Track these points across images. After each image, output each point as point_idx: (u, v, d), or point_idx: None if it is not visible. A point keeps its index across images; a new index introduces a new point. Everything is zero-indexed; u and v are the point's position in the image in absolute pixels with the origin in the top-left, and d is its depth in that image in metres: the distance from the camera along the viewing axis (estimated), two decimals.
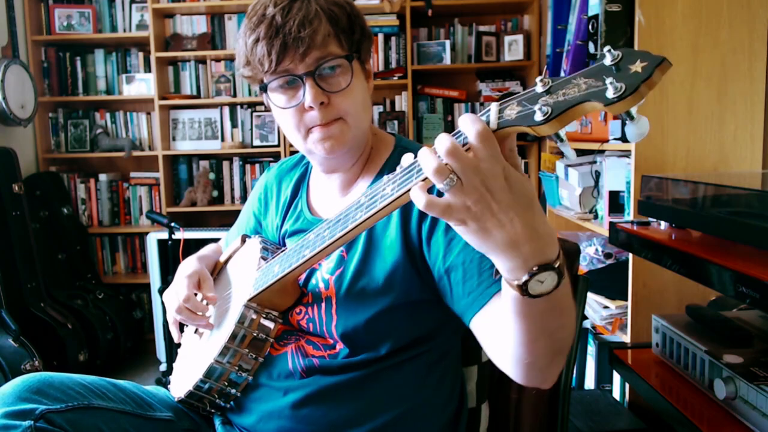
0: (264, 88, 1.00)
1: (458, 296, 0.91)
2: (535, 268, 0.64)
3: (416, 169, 0.73)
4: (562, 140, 0.64)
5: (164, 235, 2.98)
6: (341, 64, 0.98)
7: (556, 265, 0.65)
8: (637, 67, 0.58)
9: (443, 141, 0.62)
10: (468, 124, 0.63)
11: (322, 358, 0.99)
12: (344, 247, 1.01)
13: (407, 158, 0.74)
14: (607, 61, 0.60)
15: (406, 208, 0.97)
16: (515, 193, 0.62)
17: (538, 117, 0.61)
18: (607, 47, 0.61)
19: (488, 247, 0.64)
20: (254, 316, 0.99)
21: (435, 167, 0.62)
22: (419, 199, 0.63)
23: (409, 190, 0.71)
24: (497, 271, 0.69)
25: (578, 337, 1.09)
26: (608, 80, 0.58)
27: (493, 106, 0.67)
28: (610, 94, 0.58)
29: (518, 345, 0.76)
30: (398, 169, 0.75)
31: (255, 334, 0.99)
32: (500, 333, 0.80)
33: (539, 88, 0.63)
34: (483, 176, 0.61)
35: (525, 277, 0.65)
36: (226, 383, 1.02)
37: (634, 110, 0.59)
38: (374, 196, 0.78)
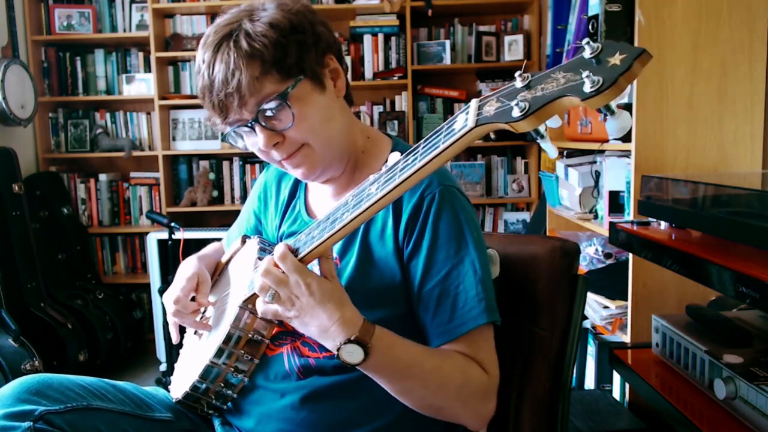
0: (224, 138, 1.01)
1: (424, 324, 0.96)
2: (339, 344, 0.84)
3: (399, 168, 0.73)
4: (542, 137, 0.63)
5: (164, 235, 2.98)
6: (278, 103, 0.93)
7: (353, 338, 0.84)
8: (616, 59, 0.56)
9: (263, 263, 0.87)
10: (275, 249, 0.86)
11: (317, 359, 0.99)
12: (338, 254, 1.01)
13: (393, 157, 0.75)
14: (587, 53, 0.58)
15: (398, 220, 0.97)
16: (316, 296, 0.84)
17: (516, 113, 0.60)
18: (586, 39, 0.59)
19: (309, 332, 0.87)
20: (249, 318, 0.98)
21: (259, 286, 0.86)
22: (259, 307, 0.88)
23: (394, 188, 0.73)
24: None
25: (578, 337, 1.08)
26: (585, 74, 0.56)
27: (473, 103, 0.67)
28: (587, 88, 0.56)
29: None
30: (383, 168, 0.75)
31: (250, 336, 0.99)
32: None
33: (518, 83, 0.62)
34: (290, 288, 0.84)
35: (336, 352, 0.85)
36: (223, 384, 1.01)
37: (614, 105, 0.58)
38: (360, 196, 0.78)
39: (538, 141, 0.64)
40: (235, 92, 0.91)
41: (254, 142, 0.97)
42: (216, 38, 0.93)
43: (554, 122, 0.62)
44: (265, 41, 0.91)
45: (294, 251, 0.87)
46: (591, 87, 0.56)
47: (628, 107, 1.82)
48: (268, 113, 0.93)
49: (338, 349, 0.84)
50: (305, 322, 0.85)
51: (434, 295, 0.94)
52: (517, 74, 0.62)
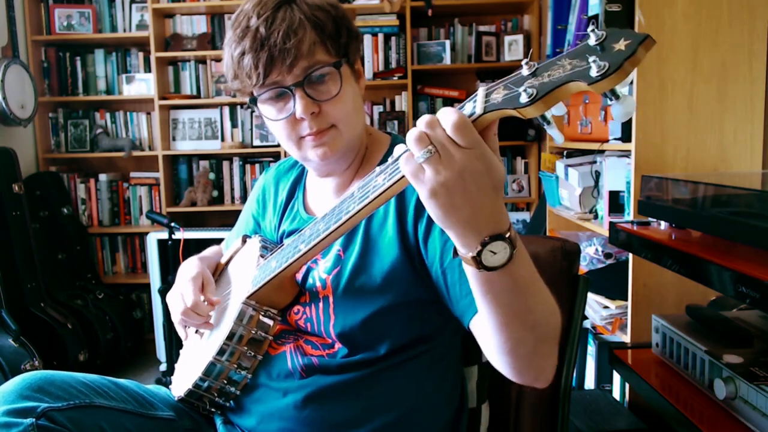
0: (254, 101, 0.99)
1: (456, 297, 0.91)
2: (487, 238, 0.66)
3: None
4: (548, 122, 0.65)
5: (164, 235, 2.98)
6: (330, 72, 0.96)
7: (507, 235, 0.67)
8: (621, 45, 0.58)
9: (425, 116, 0.66)
10: (445, 115, 0.65)
11: (321, 357, 0.99)
12: (341, 246, 1.01)
13: (399, 149, 0.75)
14: (592, 41, 0.60)
15: (402, 207, 0.97)
16: (491, 178, 0.65)
17: (524, 99, 0.62)
18: (591, 27, 0.61)
19: (449, 221, 0.67)
20: (253, 314, 0.99)
21: (416, 135, 0.65)
22: (402, 162, 0.67)
23: (400, 179, 0.72)
24: (455, 251, 0.70)
25: (578, 337, 1.09)
26: (591, 59, 0.58)
27: (480, 91, 0.67)
28: (593, 72, 0.58)
29: (495, 331, 0.77)
30: (390, 160, 0.75)
31: (254, 332, 0.99)
32: (483, 325, 0.81)
33: (525, 71, 0.64)
34: (463, 160, 0.64)
35: (478, 248, 0.67)
36: (226, 381, 1.02)
37: (619, 89, 0.59)
38: (366, 187, 0.78)
39: (544, 126, 0.65)
40: (293, 49, 0.92)
41: (287, 108, 0.97)
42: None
43: (559, 110, 0.64)
44: (325, 14, 0.97)
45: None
46: (597, 72, 0.57)
47: None
48: (316, 79, 0.96)
49: (483, 246, 0.66)
50: (455, 206, 0.65)
51: (457, 263, 0.90)
52: (523, 62, 0.64)
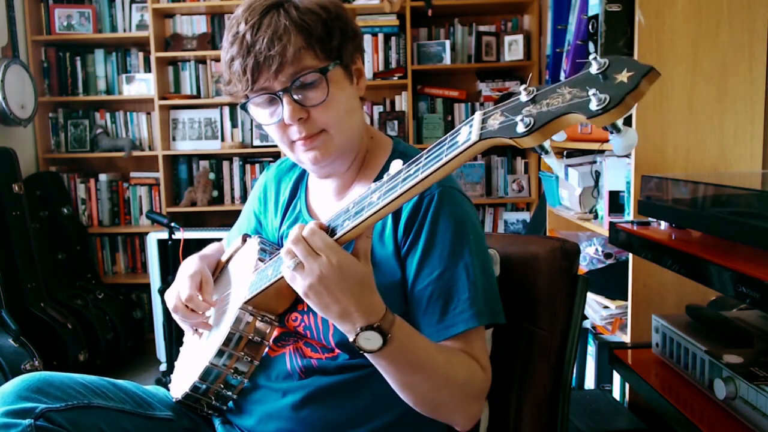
0: (244, 106, 1.00)
1: (417, 322, 0.95)
2: (359, 329, 0.81)
3: (402, 177, 0.73)
4: (546, 152, 0.62)
5: (164, 235, 2.98)
6: (317, 78, 0.95)
7: (375, 326, 0.81)
8: (623, 76, 0.55)
9: (293, 230, 0.81)
10: (304, 230, 0.81)
11: (320, 360, 0.99)
12: None
13: (395, 166, 0.75)
14: (593, 69, 0.57)
15: (397, 220, 0.98)
16: (346, 279, 0.79)
17: (520, 129, 0.60)
18: (593, 55, 0.58)
19: (327, 315, 0.83)
20: (250, 319, 0.99)
21: (285, 250, 0.81)
22: (283, 271, 0.83)
23: (395, 198, 0.73)
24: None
25: (578, 337, 1.09)
26: (591, 91, 0.55)
27: (477, 116, 0.66)
28: (593, 106, 0.55)
29: (397, 392, 0.90)
30: (385, 177, 0.75)
31: (250, 337, 0.99)
32: None
33: (523, 97, 0.61)
34: (320, 268, 0.78)
35: (353, 337, 0.82)
36: (222, 385, 1.01)
37: (620, 122, 0.56)
38: (361, 204, 0.78)
39: (542, 156, 0.63)
40: (277, 56, 0.92)
41: (277, 113, 0.97)
42: (265, 4, 0.95)
43: (559, 136, 0.62)
44: (315, 18, 0.95)
45: (326, 229, 0.83)
46: (597, 105, 0.55)
47: None
48: (304, 85, 0.95)
49: (357, 335, 0.81)
50: (325, 304, 0.80)
51: (425, 295, 0.94)
52: (522, 87, 0.62)
